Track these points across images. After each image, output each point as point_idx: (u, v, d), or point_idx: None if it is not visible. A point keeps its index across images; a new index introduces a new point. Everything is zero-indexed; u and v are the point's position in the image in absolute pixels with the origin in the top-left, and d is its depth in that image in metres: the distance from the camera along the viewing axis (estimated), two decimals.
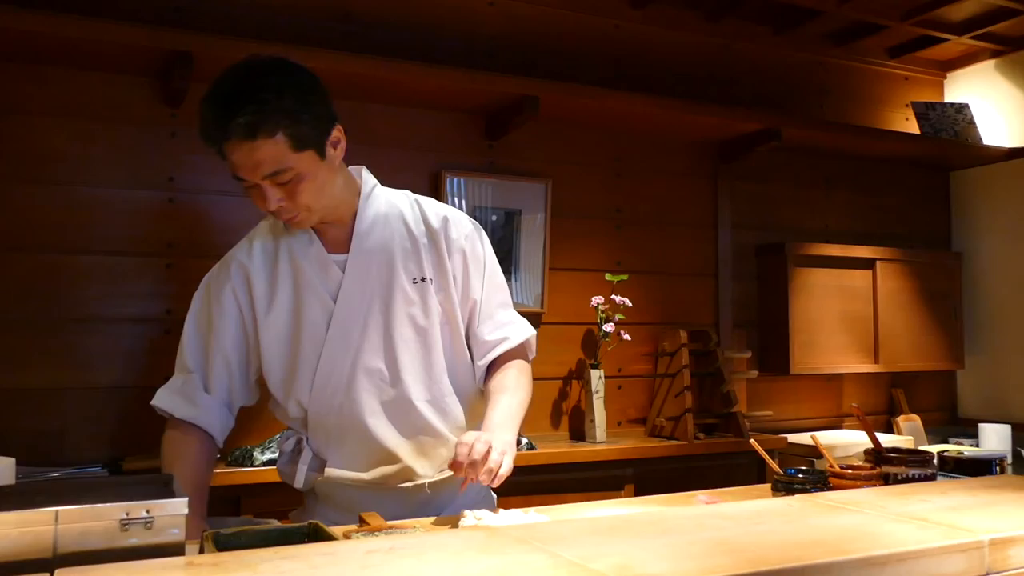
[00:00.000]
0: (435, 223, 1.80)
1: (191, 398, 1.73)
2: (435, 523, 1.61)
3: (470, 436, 1.58)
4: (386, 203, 1.80)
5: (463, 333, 1.82)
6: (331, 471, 1.78)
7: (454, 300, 1.79)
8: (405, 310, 1.74)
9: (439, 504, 1.79)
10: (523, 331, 1.87)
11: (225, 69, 1.62)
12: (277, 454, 2.74)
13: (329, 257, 1.73)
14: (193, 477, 1.67)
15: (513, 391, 1.76)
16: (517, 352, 1.86)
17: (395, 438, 1.76)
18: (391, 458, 1.76)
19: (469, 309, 1.82)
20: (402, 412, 1.76)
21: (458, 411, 1.81)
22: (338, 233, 1.75)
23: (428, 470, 1.80)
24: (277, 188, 1.61)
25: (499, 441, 1.58)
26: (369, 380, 1.73)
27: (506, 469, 1.56)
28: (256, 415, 3.02)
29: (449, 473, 1.78)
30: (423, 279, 1.76)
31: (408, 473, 1.78)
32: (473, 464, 1.53)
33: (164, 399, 1.75)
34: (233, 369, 1.77)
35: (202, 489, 1.70)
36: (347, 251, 1.73)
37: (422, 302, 1.76)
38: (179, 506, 1.14)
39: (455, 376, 1.82)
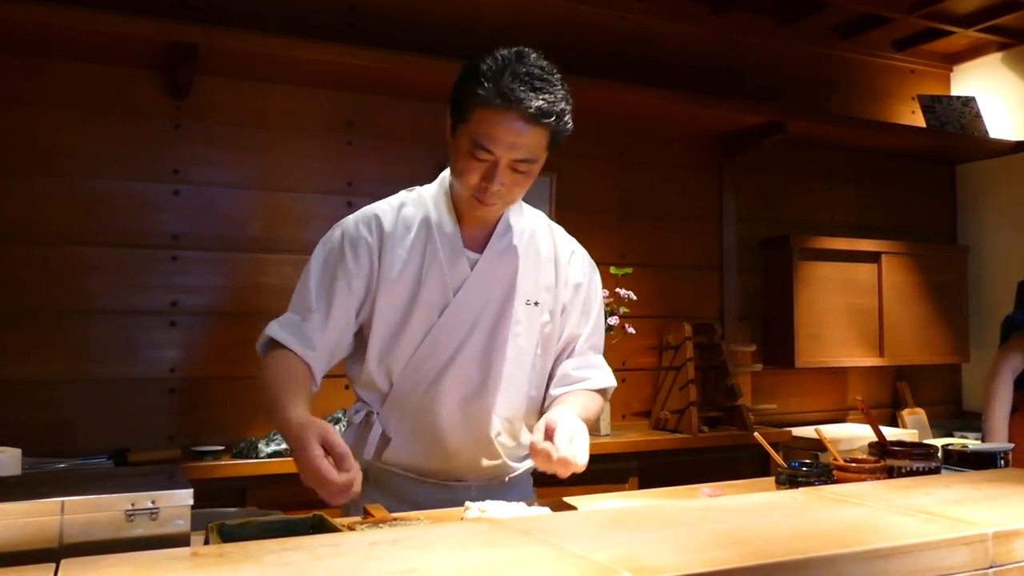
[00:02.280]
0: (563, 254, 1.84)
1: (308, 338, 1.65)
2: (439, 515, 1.61)
3: (565, 430, 1.57)
4: (527, 218, 1.83)
5: (550, 364, 1.85)
6: (390, 455, 1.77)
7: (556, 331, 1.82)
8: (512, 327, 1.75)
9: (487, 498, 1.79)
10: (606, 379, 1.87)
11: (508, 48, 1.61)
12: (283, 446, 2.76)
13: (464, 251, 1.73)
14: (304, 386, 1.61)
15: (587, 408, 1.78)
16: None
17: (460, 440, 1.76)
18: (450, 456, 1.77)
19: (566, 341, 1.85)
20: (477, 419, 1.76)
21: (524, 436, 1.83)
22: (478, 232, 1.75)
23: (479, 476, 1.81)
24: (509, 172, 1.62)
25: (581, 437, 1.59)
26: (458, 379, 1.74)
27: (582, 463, 1.56)
28: (260, 408, 3.03)
29: (496, 480, 1.81)
30: (536, 303, 1.78)
31: (460, 473, 1.79)
32: (561, 462, 1.53)
33: (280, 333, 1.66)
34: (351, 315, 1.72)
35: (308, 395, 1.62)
36: (480, 251, 1.74)
37: (528, 323, 1.77)
38: (184, 497, 1.14)
39: (529, 402, 1.83)
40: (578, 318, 1.85)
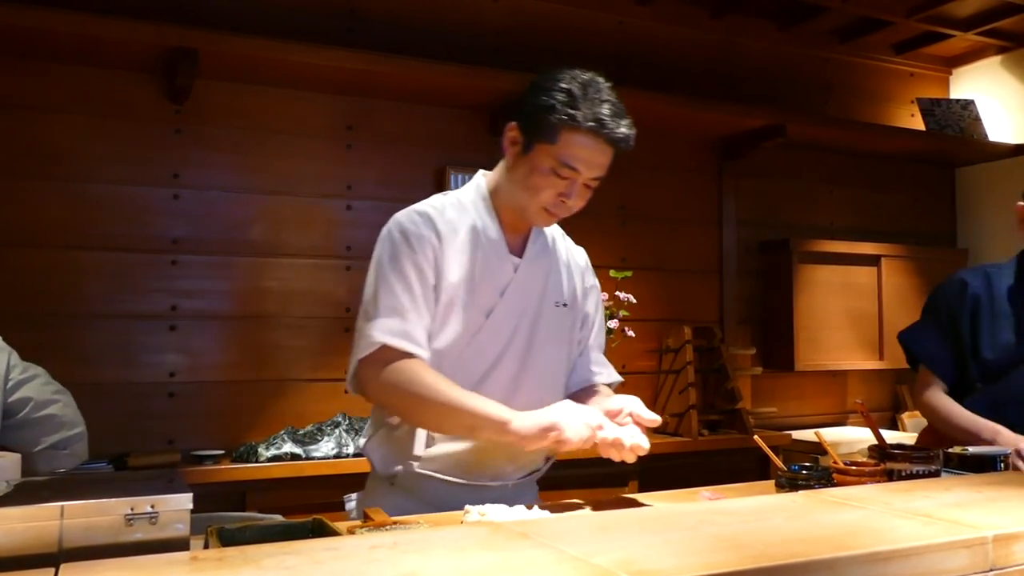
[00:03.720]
0: (579, 259, 1.98)
1: (416, 338, 1.69)
2: (438, 519, 1.61)
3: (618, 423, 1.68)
4: (549, 227, 1.92)
5: (572, 363, 1.93)
6: (432, 453, 1.78)
7: (577, 330, 1.93)
8: (546, 329, 1.83)
9: (512, 500, 1.80)
10: (614, 375, 1.98)
11: (584, 73, 1.73)
12: (282, 450, 2.75)
13: (508, 255, 1.81)
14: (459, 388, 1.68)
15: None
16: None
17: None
18: (490, 454, 1.79)
19: (579, 339, 1.95)
20: None
21: None
22: (514, 238, 1.83)
23: (516, 472, 1.85)
24: (583, 188, 1.74)
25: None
26: (500, 379, 1.78)
27: (647, 446, 1.66)
28: (261, 411, 3.04)
29: (532, 476, 1.87)
30: (564, 304, 1.88)
31: (498, 471, 1.83)
32: (633, 449, 1.63)
33: (393, 339, 1.67)
34: (432, 308, 1.75)
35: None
36: (520, 256, 1.82)
37: (558, 324, 1.86)
38: (183, 501, 1.14)
39: (558, 399, 1.86)
40: (591, 318, 1.96)
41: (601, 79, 1.74)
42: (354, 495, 1.94)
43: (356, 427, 2.92)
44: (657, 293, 3.78)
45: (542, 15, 3.61)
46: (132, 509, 1.11)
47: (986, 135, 4.34)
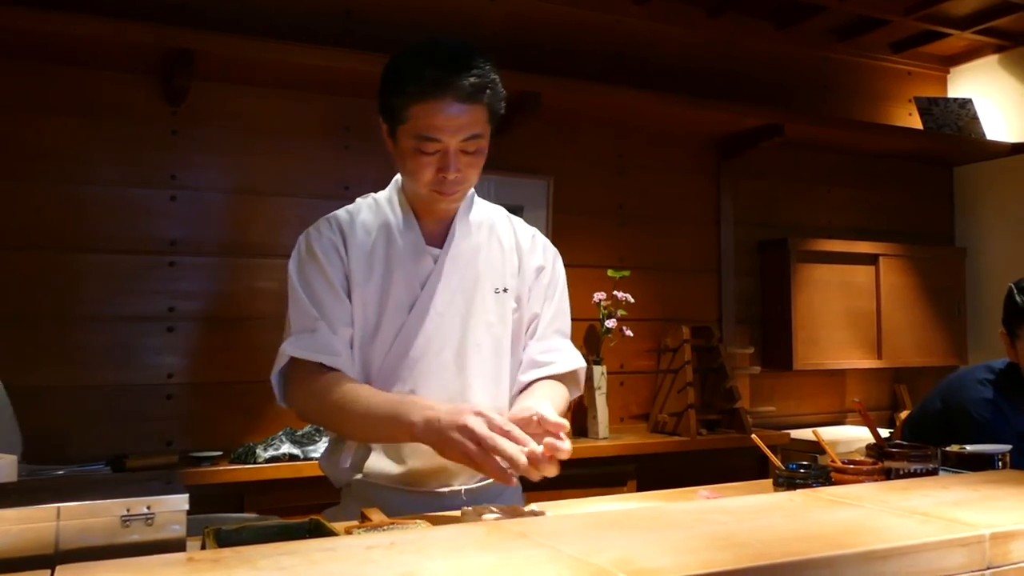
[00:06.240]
0: (524, 241, 1.86)
1: (329, 345, 1.66)
2: (437, 519, 1.61)
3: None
4: (484, 210, 1.85)
5: (521, 352, 1.83)
6: (373, 466, 1.74)
7: (523, 315, 1.83)
8: (483, 316, 1.76)
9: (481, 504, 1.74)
10: (572, 360, 1.85)
11: (420, 41, 1.63)
12: (280, 451, 2.76)
13: (426, 248, 1.75)
14: (377, 392, 1.63)
15: (555, 403, 1.71)
16: (560, 379, 1.83)
17: None
18: (435, 459, 1.64)
19: (528, 322, 1.84)
20: None
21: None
22: (436, 228, 1.77)
23: (466, 476, 1.77)
24: (461, 156, 1.63)
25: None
26: (437, 373, 1.73)
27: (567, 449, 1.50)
28: (259, 413, 3.03)
29: (487, 481, 1.76)
30: (504, 289, 1.79)
31: (446, 476, 1.75)
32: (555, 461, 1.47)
33: (302, 351, 1.65)
34: (347, 311, 1.72)
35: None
36: (442, 246, 1.76)
37: (500, 312, 1.78)
38: (179, 502, 1.14)
39: (508, 390, 1.81)
40: (540, 299, 1.84)
41: (440, 38, 1.64)
42: (331, 509, 1.89)
43: None
44: (655, 292, 3.78)
45: (539, 15, 3.61)
46: (128, 510, 1.10)
47: (984, 134, 4.34)
